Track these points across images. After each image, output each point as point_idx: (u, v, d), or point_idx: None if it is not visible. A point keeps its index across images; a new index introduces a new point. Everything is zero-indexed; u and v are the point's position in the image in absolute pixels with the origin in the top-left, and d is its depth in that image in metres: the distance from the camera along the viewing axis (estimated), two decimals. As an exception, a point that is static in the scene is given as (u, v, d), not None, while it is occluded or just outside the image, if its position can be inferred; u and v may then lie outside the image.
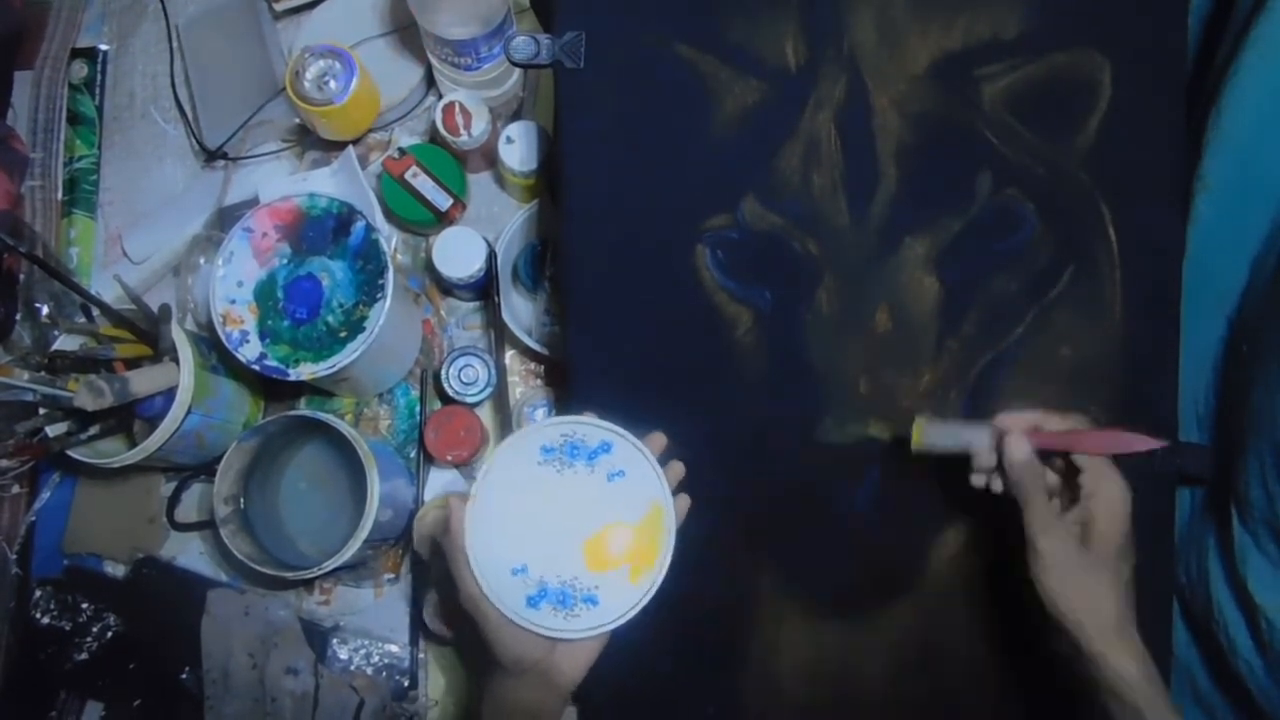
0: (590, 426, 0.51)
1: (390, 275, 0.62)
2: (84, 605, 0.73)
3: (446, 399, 0.72)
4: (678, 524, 0.50)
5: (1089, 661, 0.46)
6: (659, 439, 0.52)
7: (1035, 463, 0.48)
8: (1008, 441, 0.48)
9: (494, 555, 0.49)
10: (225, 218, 0.78)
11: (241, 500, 0.66)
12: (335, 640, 0.71)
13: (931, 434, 0.51)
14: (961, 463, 0.51)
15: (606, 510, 0.51)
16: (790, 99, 0.56)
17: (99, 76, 0.84)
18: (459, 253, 0.70)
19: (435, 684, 0.71)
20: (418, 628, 0.70)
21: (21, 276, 0.76)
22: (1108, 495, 0.47)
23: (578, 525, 0.51)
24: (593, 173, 0.57)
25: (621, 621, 0.49)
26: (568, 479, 0.51)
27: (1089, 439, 0.48)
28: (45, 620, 0.73)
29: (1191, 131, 0.56)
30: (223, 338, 0.62)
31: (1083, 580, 0.46)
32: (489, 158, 0.75)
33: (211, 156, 0.79)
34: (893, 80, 0.56)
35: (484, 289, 0.73)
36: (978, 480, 0.51)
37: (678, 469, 0.53)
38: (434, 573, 0.69)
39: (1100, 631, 0.46)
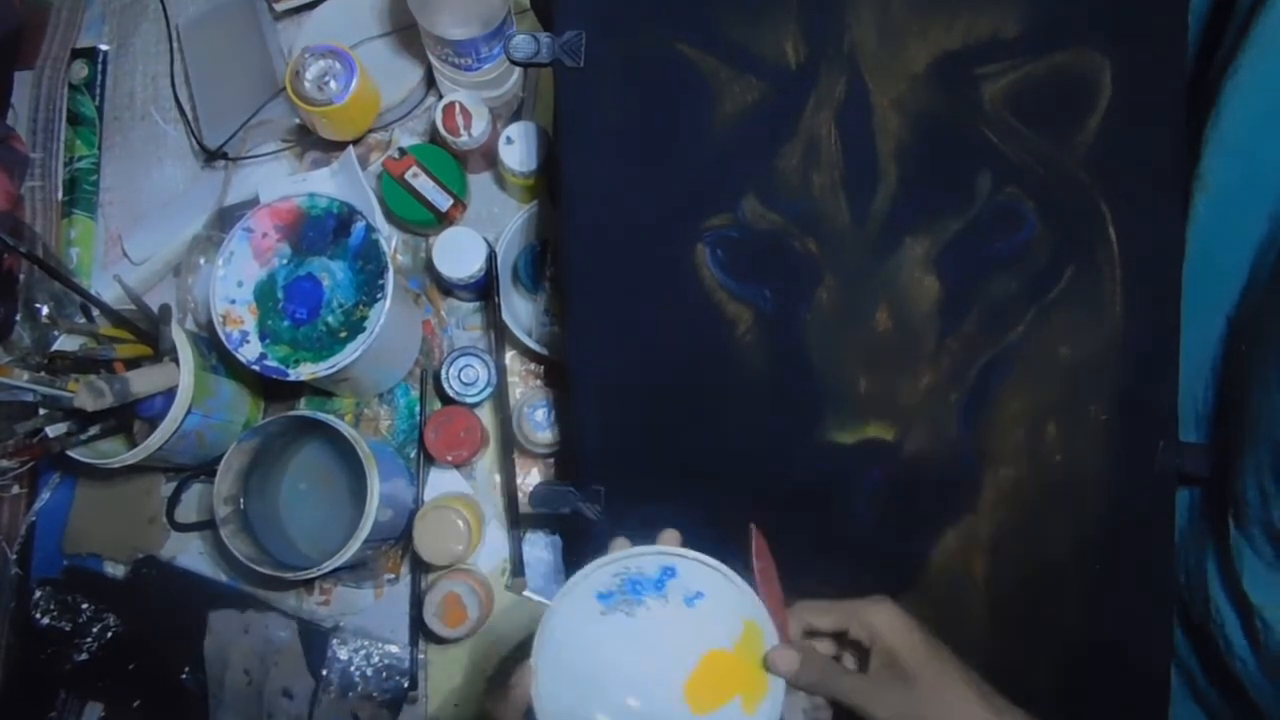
0: (642, 556, 0.45)
1: (390, 275, 0.62)
2: (84, 605, 0.73)
3: (446, 399, 0.72)
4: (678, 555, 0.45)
5: None
6: (673, 536, 0.47)
7: (812, 666, 0.45)
8: (774, 663, 0.44)
9: None
10: (225, 218, 0.78)
11: (241, 500, 0.66)
12: (335, 641, 0.71)
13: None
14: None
15: (697, 641, 0.44)
16: (790, 98, 0.56)
17: (99, 77, 0.84)
18: (459, 253, 0.70)
19: (435, 684, 0.71)
20: (418, 628, 0.70)
21: (21, 277, 0.76)
22: (884, 629, 0.45)
23: (670, 668, 0.44)
24: (592, 172, 0.56)
25: None
26: (642, 620, 0.45)
27: (764, 584, 0.45)
28: (45, 620, 0.73)
29: (1190, 131, 0.56)
30: (223, 338, 0.62)
31: (934, 709, 0.44)
32: (489, 158, 0.75)
33: (211, 157, 0.79)
34: (893, 80, 0.56)
35: (484, 289, 0.73)
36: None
37: (671, 537, 0.47)
38: None
39: None
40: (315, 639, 0.71)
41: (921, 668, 0.44)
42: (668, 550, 0.45)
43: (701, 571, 0.44)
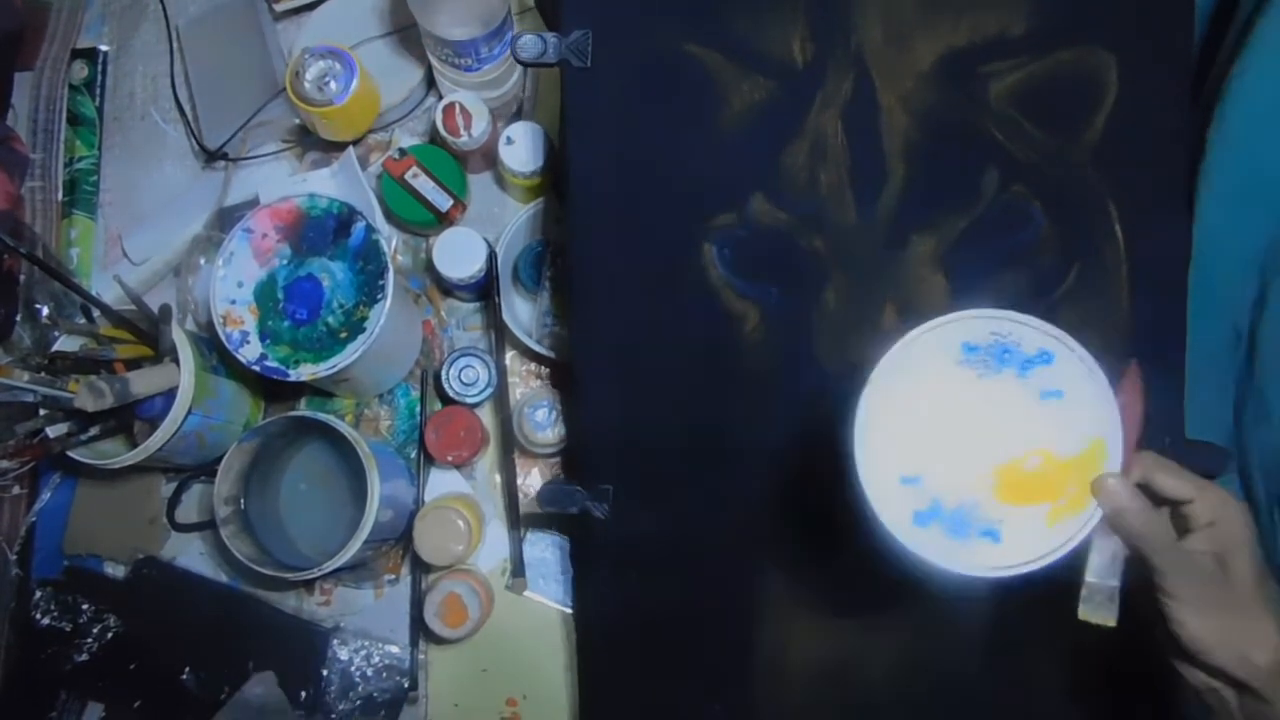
0: (1030, 329, 0.42)
1: (390, 276, 0.62)
2: (84, 606, 0.73)
3: (447, 400, 0.72)
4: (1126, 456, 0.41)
5: (1259, 702, 0.41)
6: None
7: (1142, 511, 0.41)
8: (1104, 489, 0.41)
9: (885, 456, 0.42)
10: (225, 218, 0.77)
11: (242, 501, 0.66)
12: (336, 641, 0.71)
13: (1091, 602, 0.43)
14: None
15: (1033, 434, 0.42)
16: (797, 96, 0.56)
17: (99, 77, 0.84)
18: (459, 253, 0.69)
19: (436, 684, 0.71)
20: (418, 628, 0.70)
21: (22, 277, 0.76)
22: (1231, 521, 0.41)
23: (993, 444, 0.42)
24: (599, 171, 0.56)
25: (1027, 569, 0.40)
26: (990, 387, 0.42)
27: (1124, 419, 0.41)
28: (45, 621, 0.73)
29: (1195, 129, 0.56)
30: (223, 338, 0.62)
31: (1236, 616, 0.41)
32: (489, 158, 0.75)
33: (212, 157, 0.79)
34: (899, 78, 0.55)
35: (484, 290, 0.73)
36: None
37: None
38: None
39: (1272, 668, 0.40)
40: (316, 640, 0.70)
41: (1245, 572, 0.41)
42: (1059, 335, 0.42)
43: (1078, 373, 0.41)
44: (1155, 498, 0.43)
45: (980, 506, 0.42)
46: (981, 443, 0.42)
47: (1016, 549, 0.41)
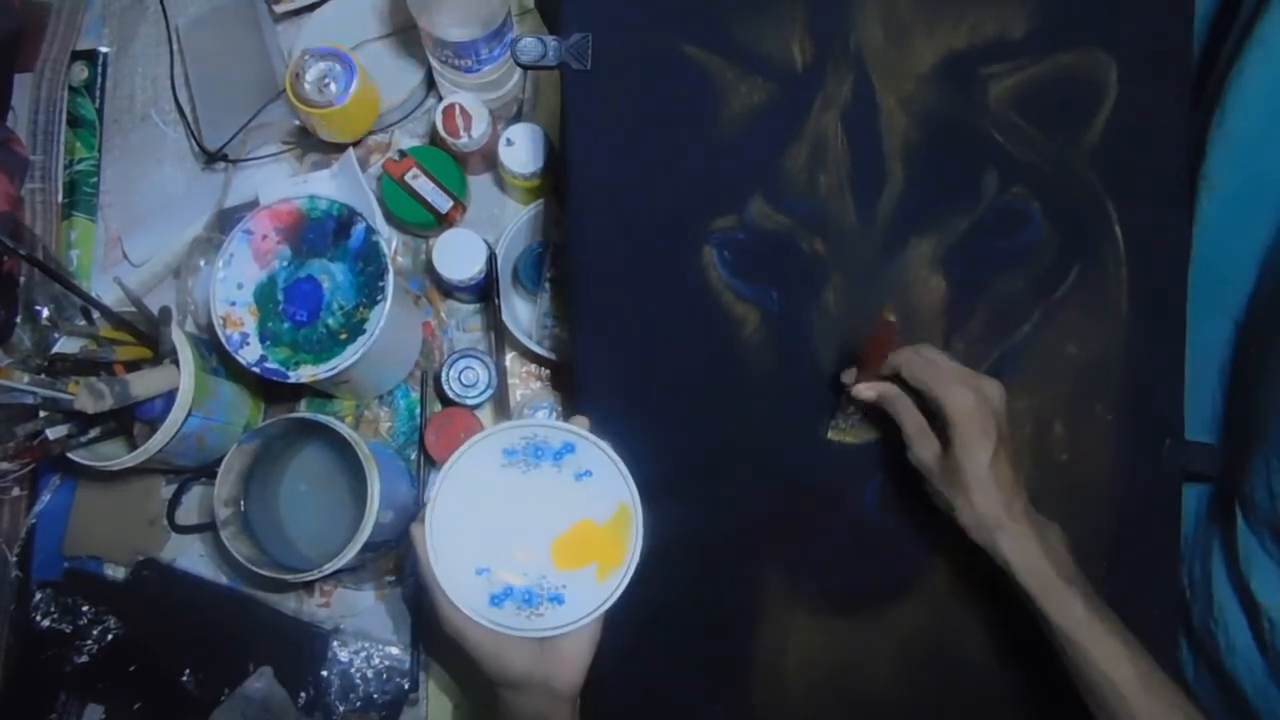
0: (551, 429, 0.51)
1: (390, 277, 0.62)
2: (84, 608, 0.73)
3: (447, 401, 0.72)
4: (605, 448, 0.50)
5: (990, 555, 0.49)
6: (583, 421, 0.52)
7: (889, 392, 0.52)
8: (855, 393, 0.53)
9: (457, 558, 0.49)
10: (225, 220, 0.78)
11: (242, 502, 0.66)
12: (336, 642, 0.70)
13: (837, 428, 0.57)
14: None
15: (575, 509, 0.51)
16: (797, 99, 0.56)
17: (99, 79, 0.84)
18: (459, 255, 0.69)
19: (436, 685, 0.71)
20: (418, 629, 0.70)
21: (22, 279, 0.75)
22: (954, 399, 0.49)
23: (546, 525, 0.51)
24: (599, 174, 0.56)
25: (586, 621, 0.48)
26: (534, 479, 0.51)
27: (871, 349, 0.50)
28: (45, 623, 0.73)
29: (1194, 131, 0.56)
30: (223, 340, 0.62)
31: (953, 478, 0.49)
32: (489, 160, 0.75)
33: (212, 158, 0.79)
34: (899, 79, 0.56)
35: (484, 291, 0.73)
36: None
37: (581, 421, 0.52)
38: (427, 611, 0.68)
39: (980, 521, 0.49)
40: (316, 641, 0.70)
41: (959, 453, 0.49)
42: (574, 430, 0.50)
43: (596, 455, 0.50)
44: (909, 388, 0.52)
45: (545, 578, 0.50)
46: (537, 524, 0.51)
47: (579, 606, 0.49)
